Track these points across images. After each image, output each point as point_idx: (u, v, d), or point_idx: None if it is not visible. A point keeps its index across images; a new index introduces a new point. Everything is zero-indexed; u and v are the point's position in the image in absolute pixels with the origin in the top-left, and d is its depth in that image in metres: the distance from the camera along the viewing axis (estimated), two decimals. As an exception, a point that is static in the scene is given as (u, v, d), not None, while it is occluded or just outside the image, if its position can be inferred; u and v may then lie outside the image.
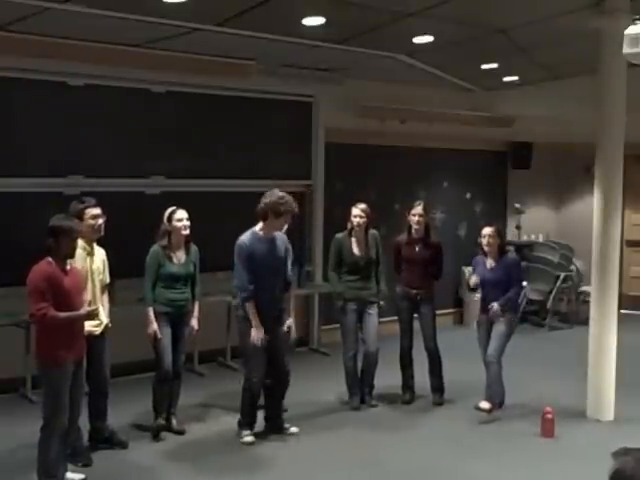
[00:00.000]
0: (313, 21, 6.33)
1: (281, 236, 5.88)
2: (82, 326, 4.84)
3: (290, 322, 5.96)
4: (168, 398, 5.88)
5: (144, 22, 6.16)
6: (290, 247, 5.94)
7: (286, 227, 6.33)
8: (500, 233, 6.56)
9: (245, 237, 5.70)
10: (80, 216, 5.22)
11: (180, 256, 5.85)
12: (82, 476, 4.99)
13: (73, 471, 4.97)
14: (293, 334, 6.09)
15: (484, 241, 6.44)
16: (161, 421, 5.86)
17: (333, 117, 8.83)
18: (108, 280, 5.56)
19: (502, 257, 6.46)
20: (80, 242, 5.18)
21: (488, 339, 6.40)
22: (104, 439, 5.55)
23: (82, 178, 7.23)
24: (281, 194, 5.67)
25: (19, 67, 6.77)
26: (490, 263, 6.45)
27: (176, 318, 5.83)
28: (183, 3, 5.63)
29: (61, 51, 6.73)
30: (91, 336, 5.17)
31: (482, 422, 6.28)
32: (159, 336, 5.70)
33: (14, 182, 6.88)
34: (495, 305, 6.29)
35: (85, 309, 4.74)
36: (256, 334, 5.64)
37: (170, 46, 7.13)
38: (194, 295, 5.96)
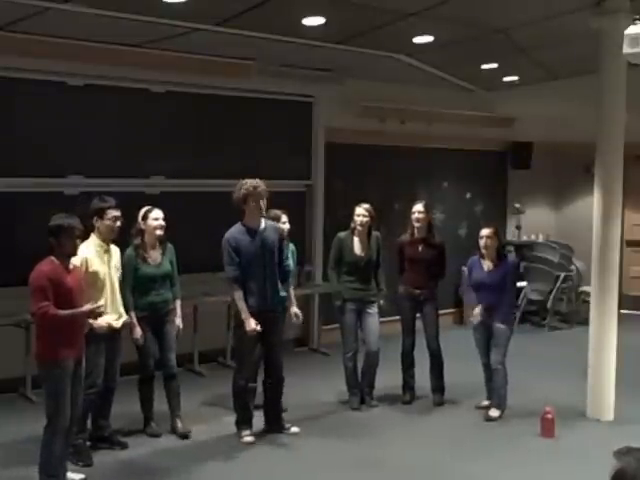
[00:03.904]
0: (313, 21, 6.34)
1: (272, 225, 5.89)
2: (82, 325, 4.85)
3: (294, 309, 6.13)
4: (167, 401, 5.90)
5: (144, 22, 6.16)
6: (281, 237, 5.94)
7: (287, 222, 6.36)
8: (498, 235, 6.49)
9: (230, 231, 5.73)
10: (101, 215, 5.31)
11: (155, 256, 5.79)
12: (82, 476, 5.00)
13: (73, 471, 4.98)
14: (300, 319, 6.22)
15: (482, 242, 6.38)
16: (155, 428, 5.86)
17: (333, 117, 8.83)
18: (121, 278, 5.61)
19: (501, 260, 6.39)
20: (96, 241, 5.31)
21: (486, 343, 6.40)
22: (104, 439, 5.56)
23: (82, 178, 7.23)
24: (241, 182, 5.72)
25: (19, 67, 6.77)
26: (488, 265, 6.38)
27: (157, 320, 5.79)
28: (183, 3, 5.64)
29: (61, 51, 6.73)
30: (112, 330, 5.30)
31: (482, 422, 6.29)
32: (141, 341, 5.69)
33: (14, 182, 6.89)
34: (477, 311, 6.36)
35: (87, 306, 4.74)
36: (248, 325, 5.59)
37: (170, 46, 7.13)
38: (175, 294, 5.92)
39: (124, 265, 5.66)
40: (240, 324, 5.70)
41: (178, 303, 5.94)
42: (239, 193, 5.67)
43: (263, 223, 5.78)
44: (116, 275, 5.47)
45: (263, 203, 5.70)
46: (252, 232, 5.71)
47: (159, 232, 5.75)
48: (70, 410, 4.69)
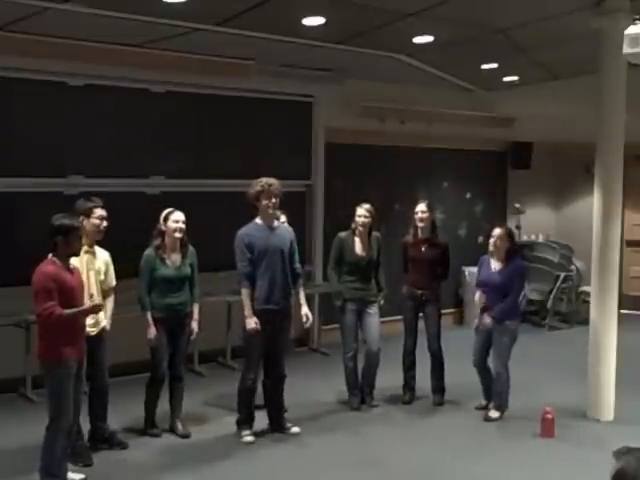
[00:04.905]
0: (313, 21, 6.34)
1: (285, 227, 5.95)
2: (83, 325, 4.85)
3: (306, 310, 5.96)
4: (169, 401, 5.88)
5: (144, 22, 6.16)
6: (294, 240, 5.96)
7: (286, 223, 6.36)
8: (511, 235, 6.43)
9: (244, 228, 5.76)
10: (88, 214, 5.28)
11: (175, 259, 5.78)
12: (82, 476, 5.00)
13: (73, 471, 4.97)
14: (309, 321, 6.04)
15: (491, 241, 6.35)
16: (155, 431, 5.85)
17: (333, 117, 8.83)
18: (114, 283, 5.56)
19: (510, 261, 6.33)
20: None
21: (484, 347, 6.38)
22: (104, 439, 5.55)
23: (82, 178, 7.23)
24: (254, 182, 5.74)
25: (19, 67, 6.77)
26: (495, 265, 6.36)
27: (174, 322, 5.78)
28: (183, 3, 5.64)
29: (61, 51, 6.73)
30: (88, 336, 5.14)
31: (482, 423, 6.29)
32: (154, 342, 5.67)
33: (14, 182, 6.89)
34: (487, 320, 6.25)
35: (89, 303, 4.73)
36: (248, 323, 5.61)
37: (170, 46, 7.13)
38: (193, 297, 5.90)
39: (142, 265, 5.70)
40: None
41: (196, 307, 5.92)
42: (253, 190, 5.70)
43: (276, 222, 5.82)
44: (96, 279, 5.35)
45: (276, 201, 5.71)
46: (266, 229, 5.73)
47: (178, 235, 5.73)
48: (72, 410, 4.69)
